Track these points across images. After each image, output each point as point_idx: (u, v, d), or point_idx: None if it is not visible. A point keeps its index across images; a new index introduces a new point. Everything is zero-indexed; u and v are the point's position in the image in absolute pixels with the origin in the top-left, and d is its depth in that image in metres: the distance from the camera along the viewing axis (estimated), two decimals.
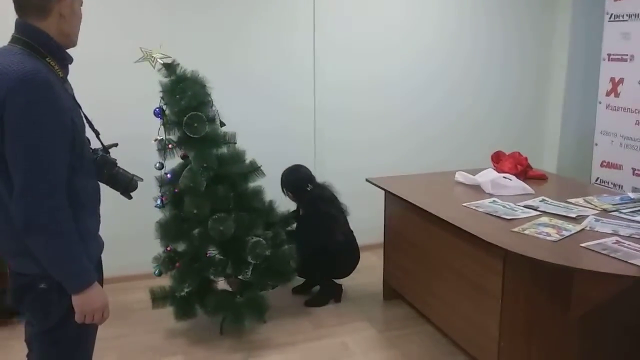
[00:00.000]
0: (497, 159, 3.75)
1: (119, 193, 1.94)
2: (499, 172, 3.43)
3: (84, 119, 1.73)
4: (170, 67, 2.98)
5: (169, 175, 3.08)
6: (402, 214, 3.43)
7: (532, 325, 2.56)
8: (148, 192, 2.91)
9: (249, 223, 3.12)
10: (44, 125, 1.47)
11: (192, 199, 2.96)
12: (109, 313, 1.69)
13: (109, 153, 1.91)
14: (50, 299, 1.61)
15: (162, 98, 3.00)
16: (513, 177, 3.34)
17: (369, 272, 4.01)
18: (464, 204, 2.98)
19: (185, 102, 2.92)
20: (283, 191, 3.66)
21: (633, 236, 2.43)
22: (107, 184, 1.90)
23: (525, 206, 2.92)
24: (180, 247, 3.19)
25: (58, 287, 1.58)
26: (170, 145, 3.01)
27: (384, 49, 4.45)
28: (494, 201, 3.04)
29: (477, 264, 2.70)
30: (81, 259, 1.58)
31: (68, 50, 1.67)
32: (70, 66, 1.70)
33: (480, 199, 3.07)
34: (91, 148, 1.80)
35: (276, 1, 4.11)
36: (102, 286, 1.69)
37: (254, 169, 3.21)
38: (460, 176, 3.47)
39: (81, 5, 1.68)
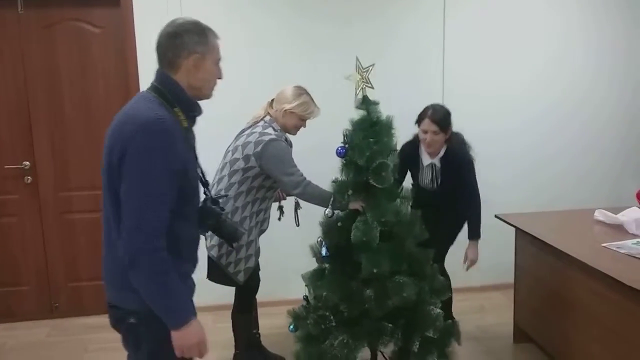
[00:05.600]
0: None
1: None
2: None
3: (199, 169, 1.87)
4: (367, 102, 2.67)
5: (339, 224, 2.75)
6: (535, 253, 3.27)
7: None
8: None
9: (427, 290, 2.73)
10: (157, 170, 1.60)
11: (370, 255, 2.59)
12: (207, 349, 1.77)
13: (218, 204, 2.01)
14: (139, 332, 1.73)
15: (346, 136, 2.70)
16: None
17: (497, 313, 3.86)
18: (604, 244, 2.79)
19: (378, 148, 2.60)
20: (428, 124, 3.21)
21: None
22: (213, 232, 2.00)
23: None
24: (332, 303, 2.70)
25: (147, 322, 1.69)
26: (350, 192, 2.67)
27: (522, 93, 4.33)
28: (638, 242, 2.81)
29: (617, 309, 2.50)
30: (181, 296, 1.68)
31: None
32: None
33: (623, 239, 2.85)
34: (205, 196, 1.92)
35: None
36: None
37: (421, 231, 2.80)
38: (600, 214, 3.25)
39: (217, 63, 1.80)
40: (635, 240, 2.84)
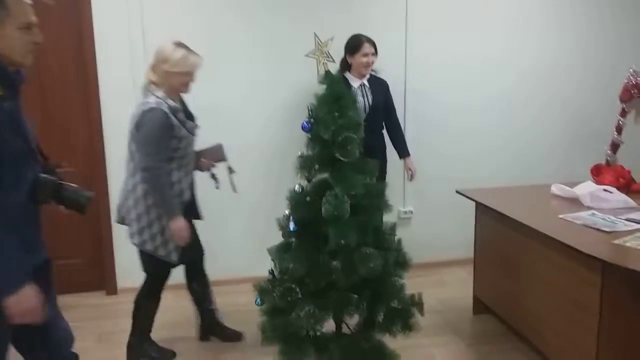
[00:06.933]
0: (597, 172, 3.58)
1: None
2: (599, 184, 3.29)
3: (28, 138, 1.84)
4: (330, 77, 2.68)
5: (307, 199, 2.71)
6: (494, 226, 3.36)
7: (633, 342, 2.42)
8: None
9: (392, 262, 2.78)
10: None
11: (338, 228, 2.59)
12: (40, 315, 1.80)
13: (54, 173, 1.96)
14: None
15: (311, 110, 2.70)
16: (614, 190, 3.18)
17: (458, 286, 3.95)
18: (561, 216, 2.88)
19: (344, 122, 2.61)
20: None
21: None
22: (57, 203, 1.96)
23: (627, 219, 2.78)
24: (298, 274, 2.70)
25: None
26: (317, 166, 2.68)
27: (481, 70, 4.41)
28: (593, 214, 2.91)
29: (574, 277, 2.59)
30: (11, 262, 1.72)
31: None
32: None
33: (578, 212, 2.96)
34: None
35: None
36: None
37: (387, 205, 2.86)
38: (556, 189, 3.35)
39: (23, 27, 1.76)
40: (590, 212, 2.94)
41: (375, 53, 3.72)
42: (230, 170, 3.14)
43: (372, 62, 3.73)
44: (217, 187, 3.14)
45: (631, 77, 3.56)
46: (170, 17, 3.81)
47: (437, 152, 4.38)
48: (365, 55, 3.67)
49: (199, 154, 3.07)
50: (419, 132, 4.30)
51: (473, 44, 4.35)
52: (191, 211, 3.01)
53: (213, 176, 3.14)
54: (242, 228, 4.11)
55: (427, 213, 4.41)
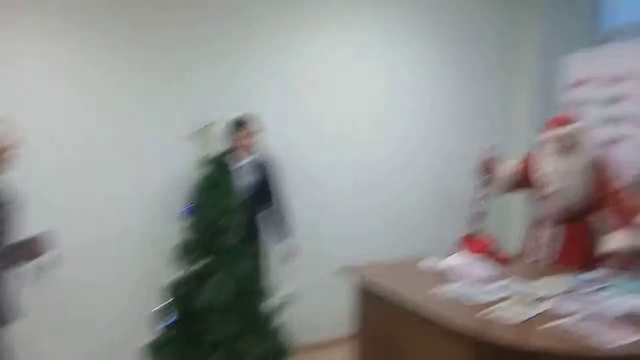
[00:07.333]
0: (465, 243, 3.75)
1: None
2: (467, 256, 3.44)
3: None
4: (211, 160, 2.73)
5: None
6: (372, 304, 3.38)
7: None
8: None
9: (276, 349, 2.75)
10: None
11: (221, 316, 2.53)
12: None
13: None
14: None
15: (191, 195, 2.68)
16: (481, 260, 3.34)
17: None
18: (431, 291, 2.96)
19: (225, 206, 2.66)
20: None
21: (594, 314, 2.44)
22: None
23: (492, 289, 2.91)
24: None
25: None
26: (197, 253, 2.65)
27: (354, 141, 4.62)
28: (462, 286, 3.02)
29: (447, 352, 2.64)
30: None
31: None
32: None
33: (449, 284, 3.05)
34: None
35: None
36: None
37: (270, 288, 2.88)
38: (429, 262, 3.46)
39: None
40: (459, 284, 3.05)
41: (258, 132, 3.78)
42: (43, 269, 2.66)
43: (256, 142, 3.78)
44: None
45: (486, 153, 3.86)
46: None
47: (317, 230, 4.46)
48: (248, 134, 3.72)
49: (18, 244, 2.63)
50: (300, 210, 4.35)
51: (344, 123, 4.60)
52: None
53: (33, 270, 2.68)
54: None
55: (311, 293, 4.38)
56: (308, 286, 4.37)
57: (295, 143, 4.39)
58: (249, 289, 2.72)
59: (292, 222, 3.99)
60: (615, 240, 3.46)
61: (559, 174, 3.65)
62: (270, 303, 2.89)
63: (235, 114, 3.79)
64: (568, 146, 3.63)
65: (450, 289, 2.97)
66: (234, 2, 4.15)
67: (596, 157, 3.66)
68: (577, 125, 3.67)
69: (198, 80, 4.01)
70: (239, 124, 3.74)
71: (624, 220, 3.48)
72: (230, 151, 3.72)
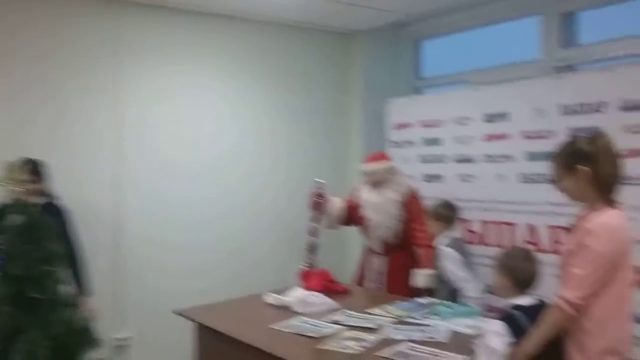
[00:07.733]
0: (304, 277, 3.85)
1: None
2: (306, 290, 3.51)
3: None
4: (24, 204, 2.43)
5: None
6: (212, 343, 3.27)
7: None
8: None
9: None
10: None
11: None
12: None
13: None
14: None
15: (1, 244, 2.37)
16: (319, 294, 3.43)
17: None
18: (271, 326, 2.96)
19: (39, 254, 2.37)
20: None
21: (424, 340, 2.60)
22: None
23: (330, 322, 2.98)
24: None
25: None
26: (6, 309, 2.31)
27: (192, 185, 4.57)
28: (302, 320, 3.06)
29: None
30: None
31: None
32: None
33: (289, 319, 3.08)
34: None
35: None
36: None
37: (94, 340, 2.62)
38: (269, 297, 3.47)
39: None
40: (299, 318, 3.09)
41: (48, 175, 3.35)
42: None
43: (46, 186, 3.33)
44: None
45: (314, 189, 4.10)
46: None
47: (155, 266, 4.29)
48: (40, 177, 3.25)
49: None
50: (134, 247, 4.18)
51: (185, 161, 4.53)
52: None
53: None
54: None
55: (149, 335, 4.16)
56: (145, 328, 4.16)
57: (131, 178, 4.23)
58: (67, 343, 2.47)
59: (89, 278, 3.58)
60: (420, 278, 3.79)
61: (373, 207, 3.95)
62: (98, 354, 2.66)
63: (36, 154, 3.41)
64: (380, 181, 3.95)
65: (291, 324, 2.99)
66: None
67: (407, 194, 4.00)
68: (385, 163, 4.02)
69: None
70: (32, 166, 3.22)
71: (427, 257, 3.83)
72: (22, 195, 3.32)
